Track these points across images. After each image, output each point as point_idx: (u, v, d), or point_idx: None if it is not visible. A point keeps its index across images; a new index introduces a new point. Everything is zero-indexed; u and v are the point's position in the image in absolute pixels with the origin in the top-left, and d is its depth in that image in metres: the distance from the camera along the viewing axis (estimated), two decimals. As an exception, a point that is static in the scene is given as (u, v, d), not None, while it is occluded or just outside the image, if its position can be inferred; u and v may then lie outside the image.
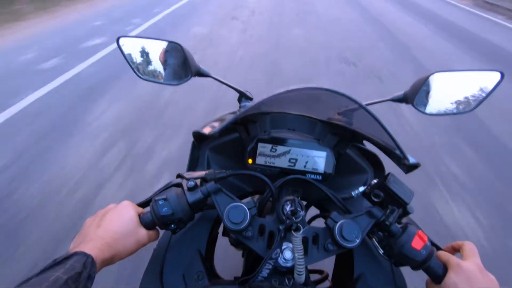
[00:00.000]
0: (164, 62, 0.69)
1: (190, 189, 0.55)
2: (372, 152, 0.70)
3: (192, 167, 0.72)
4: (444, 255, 0.53)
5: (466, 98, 0.66)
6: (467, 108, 0.67)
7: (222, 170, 0.62)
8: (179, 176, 0.62)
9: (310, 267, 0.71)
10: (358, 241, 0.52)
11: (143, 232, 0.53)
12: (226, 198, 0.55)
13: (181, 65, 0.69)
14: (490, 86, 0.64)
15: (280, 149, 0.68)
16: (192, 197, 0.54)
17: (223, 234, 0.88)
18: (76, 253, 0.42)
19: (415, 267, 0.53)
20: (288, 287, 0.53)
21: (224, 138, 0.73)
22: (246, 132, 0.71)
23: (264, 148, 0.68)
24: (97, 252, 0.44)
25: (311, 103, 0.71)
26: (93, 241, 0.46)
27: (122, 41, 0.67)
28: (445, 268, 0.51)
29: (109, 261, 0.47)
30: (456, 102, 0.67)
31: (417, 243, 0.51)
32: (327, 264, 0.83)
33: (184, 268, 0.59)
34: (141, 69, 0.70)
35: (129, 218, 0.52)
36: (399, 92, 0.71)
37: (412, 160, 0.57)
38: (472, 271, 0.48)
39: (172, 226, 0.54)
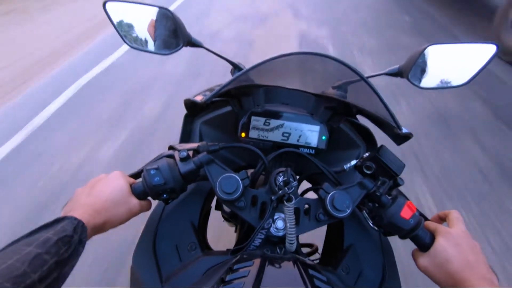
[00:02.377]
0: (154, 30, 0.66)
1: (183, 159, 0.54)
2: (365, 127, 0.70)
3: (184, 140, 0.71)
4: (431, 224, 0.54)
5: (461, 70, 0.66)
6: (462, 81, 0.67)
7: (214, 142, 0.62)
8: (171, 147, 0.61)
9: (301, 241, 0.72)
10: (348, 211, 0.53)
11: (134, 201, 0.52)
12: (219, 169, 0.55)
13: (172, 33, 0.66)
14: (485, 59, 0.63)
15: (274, 122, 0.68)
16: (184, 167, 0.54)
17: (216, 208, 0.88)
18: (66, 217, 0.42)
19: (403, 236, 0.54)
20: (279, 255, 0.54)
21: (217, 111, 0.72)
22: (239, 106, 0.70)
23: (257, 121, 0.68)
24: (88, 218, 0.44)
25: (305, 75, 0.70)
26: (83, 207, 0.46)
27: (109, 5, 0.63)
28: (432, 237, 0.53)
29: (99, 229, 0.47)
30: (451, 75, 0.67)
31: (406, 213, 0.52)
32: (317, 239, 0.85)
33: (177, 238, 0.59)
34: (129, 37, 0.67)
35: (119, 187, 0.51)
36: (394, 66, 0.70)
37: (405, 130, 0.57)
38: (460, 237, 0.50)
39: (165, 196, 0.54)
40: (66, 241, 0.39)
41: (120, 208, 0.50)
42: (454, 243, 0.49)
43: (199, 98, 0.59)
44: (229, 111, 0.70)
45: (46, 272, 0.36)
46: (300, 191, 0.73)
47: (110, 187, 0.51)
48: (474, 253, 0.49)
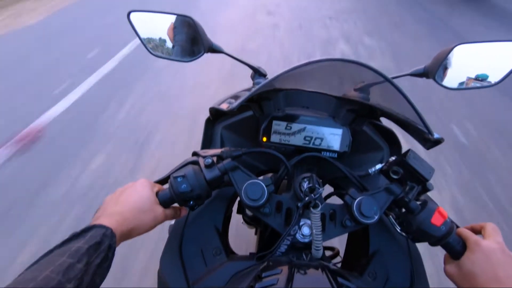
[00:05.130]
0: (176, 37, 0.67)
1: (208, 166, 0.55)
2: (389, 129, 0.68)
3: (206, 145, 0.71)
4: (464, 232, 0.52)
5: (491, 70, 0.63)
6: (492, 81, 0.64)
7: (237, 148, 0.62)
8: (194, 154, 0.62)
9: (326, 241, 0.71)
10: (376, 217, 0.52)
11: (159, 210, 0.53)
12: (243, 175, 0.55)
13: (193, 40, 0.67)
14: (518, 57, 0.61)
15: (295, 126, 0.67)
16: (209, 174, 0.54)
17: (238, 212, 0.88)
18: (95, 226, 0.43)
19: (433, 243, 0.52)
20: (305, 261, 0.53)
21: (238, 116, 0.72)
22: (260, 110, 0.70)
23: (278, 126, 0.67)
24: (116, 225, 0.45)
25: (326, 78, 0.69)
26: (111, 215, 0.47)
27: (133, 16, 0.65)
28: (464, 245, 0.51)
29: (127, 235, 0.48)
30: (479, 75, 0.64)
31: (437, 220, 0.51)
32: (336, 241, 0.84)
33: (202, 243, 0.60)
34: (152, 45, 0.68)
35: (146, 195, 0.52)
36: (419, 66, 0.68)
37: (436, 135, 0.55)
38: (492, 250, 0.47)
39: (191, 202, 0.55)
40: (96, 249, 0.40)
41: (146, 216, 0.51)
42: (484, 256, 0.47)
43: (224, 106, 0.60)
44: (250, 115, 0.70)
45: (79, 280, 0.37)
46: (323, 194, 0.73)
47: (137, 195, 0.52)
48: (507, 268, 0.46)
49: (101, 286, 0.42)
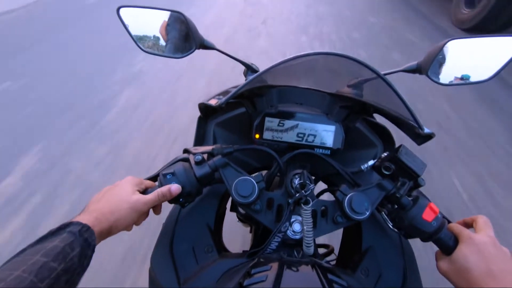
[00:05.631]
0: (167, 33, 0.66)
1: (198, 163, 0.54)
2: (382, 125, 0.68)
3: (198, 142, 0.71)
4: (455, 227, 0.52)
5: (483, 65, 0.63)
6: (485, 76, 0.64)
7: (228, 145, 0.61)
8: (185, 151, 0.61)
9: (316, 241, 0.71)
10: (367, 213, 0.51)
11: (136, 197, 0.51)
12: (234, 172, 0.55)
13: (184, 37, 0.66)
14: (510, 52, 0.60)
15: (288, 123, 0.67)
16: (199, 171, 0.54)
17: (231, 210, 0.88)
18: (72, 223, 0.42)
19: (425, 239, 0.52)
20: (297, 258, 0.53)
21: (230, 113, 0.71)
22: (253, 107, 0.69)
23: (271, 122, 0.67)
24: (94, 221, 0.44)
25: (318, 75, 0.68)
26: (90, 212, 0.47)
27: (122, 11, 0.64)
28: (456, 240, 0.51)
29: (107, 232, 0.47)
30: (472, 70, 0.64)
31: (428, 215, 0.51)
32: (333, 239, 0.84)
33: (193, 241, 0.59)
34: (142, 41, 0.67)
35: (126, 192, 0.51)
36: (412, 62, 0.68)
37: (426, 130, 0.55)
38: (484, 243, 0.47)
39: (181, 199, 0.54)
40: (73, 247, 0.39)
41: (126, 212, 0.49)
42: (477, 250, 0.47)
43: (213, 102, 0.59)
44: (243, 112, 0.70)
45: (54, 280, 0.36)
46: (316, 191, 0.73)
47: (118, 192, 0.51)
48: (499, 261, 0.46)
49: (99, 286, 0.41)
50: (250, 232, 1.12)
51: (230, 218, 0.99)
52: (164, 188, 0.52)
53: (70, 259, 0.38)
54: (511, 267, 0.46)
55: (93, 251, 0.43)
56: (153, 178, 0.59)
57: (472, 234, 0.49)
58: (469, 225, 0.54)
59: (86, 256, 0.41)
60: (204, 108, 0.66)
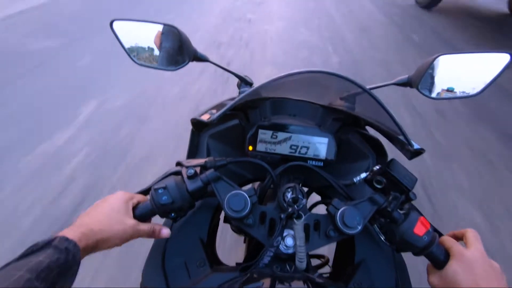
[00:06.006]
0: (160, 46, 0.66)
1: (190, 177, 0.54)
2: (374, 138, 0.69)
3: (191, 155, 0.71)
4: (447, 241, 0.52)
5: (472, 81, 0.64)
6: (474, 91, 0.65)
7: (222, 157, 0.61)
8: (178, 164, 0.61)
9: (311, 251, 0.71)
10: (359, 227, 0.51)
11: (130, 222, 0.51)
12: (226, 186, 0.55)
13: (178, 49, 0.67)
14: (498, 68, 0.62)
15: (281, 135, 0.67)
16: (192, 185, 0.54)
17: (225, 221, 0.88)
18: (57, 237, 0.41)
19: (417, 253, 0.53)
20: (289, 273, 0.53)
21: (224, 125, 0.72)
22: (246, 119, 0.70)
23: (264, 134, 0.67)
24: (80, 237, 0.43)
25: (312, 87, 0.69)
26: (77, 227, 0.45)
27: (116, 24, 0.64)
28: (447, 254, 0.51)
29: (92, 248, 0.46)
30: (462, 85, 0.65)
31: (419, 229, 0.51)
32: (328, 249, 0.84)
33: (186, 255, 0.59)
34: (136, 54, 0.68)
35: (117, 207, 0.51)
36: (403, 76, 0.69)
37: (416, 146, 0.55)
38: (475, 259, 0.48)
39: (172, 214, 0.54)
40: (58, 263, 0.38)
41: (115, 228, 0.49)
42: (467, 266, 0.47)
43: (205, 117, 0.59)
44: (236, 124, 0.70)
45: None
46: (309, 203, 0.73)
47: (108, 207, 0.50)
48: (489, 278, 0.46)
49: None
50: (244, 242, 1.11)
51: (224, 229, 0.99)
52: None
53: (54, 276, 0.37)
54: (500, 283, 0.47)
55: (78, 267, 0.42)
56: (145, 192, 0.58)
57: (463, 249, 0.50)
58: (458, 238, 0.54)
59: (73, 272, 0.41)
60: (197, 123, 0.66)
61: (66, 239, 0.41)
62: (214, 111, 0.61)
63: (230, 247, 1.45)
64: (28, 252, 0.39)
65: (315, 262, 0.88)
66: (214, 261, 0.61)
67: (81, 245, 0.43)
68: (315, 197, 0.79)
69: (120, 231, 0.49)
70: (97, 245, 0.47)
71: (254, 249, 0.73)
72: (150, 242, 0.61)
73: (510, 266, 1.02)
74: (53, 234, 0.43)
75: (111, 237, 0.48)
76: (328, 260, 0.85)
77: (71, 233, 0.43)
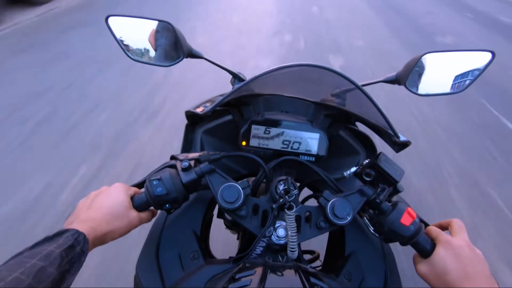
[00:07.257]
0: (155, 42, 0.67)
1: (184, 169, 0.55)
2: (364, 134, 0.71)
3: (185, 149, 0.72)
4: (433, 230, 0.54)
5: (457, 78, 0.67)
6: (459, 88, 0.68)
7: (215, 152, 0.62)
8: (172, 157, 0.62)
9: (303, 247, 0.73)
10: (349, 218, 0.53)
11: (134, 214, 0.54)
12: (220, 179, 0.56)
13: (172, 46, 0.68)
14: (481, 66, 0.64)
15: (274, 131, 0.69)
16: (186, 177, 0.55)
17: (218, 216, 0.88)
18: (68, 230, 0.43)
19: (403, 243, 0.54)
20: (281, 263, 0.54)
21: (218, 120, 0.73)
22: (240, 114, 0.71)
23: (257, 130, 0.69)
24: (89, 230, 0.45)
25: (304, 84, 0.71)
26: (84, 221, 0.47)
27: (111, 20, 0.65)
28: (433, 243, 0.53)
29: (100, 241, 0.48)
30: (448, 82, 0.68)
31: (406, 220, 0.53)
32: (320, 246, 0.85)
33: (179, 247, 0.59)
34: (131, 50, 0.68)
35: (119, 200, 0.52)
36: (391, 74, 0.71)
37: (402, 138, 0.57)
38: (460, 247, 0.49)
39: (167, 205, 0.55)
40: (68, 254, 0.40)
41: (120, 221, 0.51)
42: (454, 253, 0.49)
43: (199, 110, 0.60)
44: (230, 120, 0.71)
45: (50, 284, 0.37)
46: (301, 198, 0.74)
47: (110, 200, 0.52)
48: (474, 264, 0.48)
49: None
50: (237, 239, 1.12)
51: (217, 226, 0.99)
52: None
53: (64, 265, 0.39)
54: (484, 269, 0.49)
55: (85, 258, 0.44)
56: (140, 185, 0.59)
57: (449, 237, 0.51)
58: (444, 228, 0.56)
59: (80, 263, 0.42)
60: (191, 116, 0.67)
61: (77, 231, 0.43)
62: (208, 104, 0.63)
63: (223, 245, 1.46)
64: (40, 242, 0.41)
65: (306, 257, 0.90)
66: (207, 255, 0.62)
67: (90, 238, 0.45)
68: (307, 192, 0.80)
69: (125, 223, 0.52)
70: (104, 238, 0.49)
71: (247, 243, 0.74)
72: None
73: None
74: (64, 226, 0.45)
75: (117, 229, 0.51)
76: (319, 255, 0.86)
77: (80, 226, 0.45)
